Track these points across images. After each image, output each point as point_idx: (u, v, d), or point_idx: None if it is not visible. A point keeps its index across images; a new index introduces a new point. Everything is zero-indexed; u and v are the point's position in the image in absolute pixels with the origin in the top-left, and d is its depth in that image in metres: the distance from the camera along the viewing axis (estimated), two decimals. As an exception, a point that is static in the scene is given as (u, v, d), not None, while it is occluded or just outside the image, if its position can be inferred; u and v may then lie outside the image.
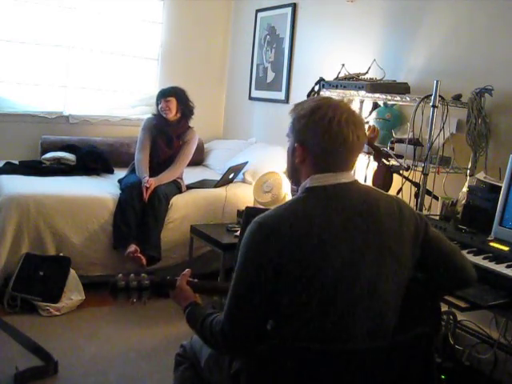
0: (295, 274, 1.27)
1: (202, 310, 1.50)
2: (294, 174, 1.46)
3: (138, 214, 3.51)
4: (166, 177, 3.71)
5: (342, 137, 1.34)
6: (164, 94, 3.77)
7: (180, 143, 3.82)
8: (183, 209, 3.71)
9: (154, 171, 3.73)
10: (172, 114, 3.76)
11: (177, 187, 3.78)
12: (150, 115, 3.94)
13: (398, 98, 2.91)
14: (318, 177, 1.36)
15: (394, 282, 1.36)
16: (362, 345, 1.32)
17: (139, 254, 3.39)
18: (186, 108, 3.83)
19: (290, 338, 1.30)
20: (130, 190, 3.54)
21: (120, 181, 3.79)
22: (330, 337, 1.29)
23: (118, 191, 3.63)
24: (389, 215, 1.37)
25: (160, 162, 3.79)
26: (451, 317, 2.75)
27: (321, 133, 1.34)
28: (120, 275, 1.60)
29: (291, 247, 1.27)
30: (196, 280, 1.70)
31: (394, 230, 1.37)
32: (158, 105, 3.80)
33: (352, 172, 1.43)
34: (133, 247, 3.39)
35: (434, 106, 2.60)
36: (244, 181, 4.11)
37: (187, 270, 1.69)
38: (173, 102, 3.76)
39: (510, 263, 1.94)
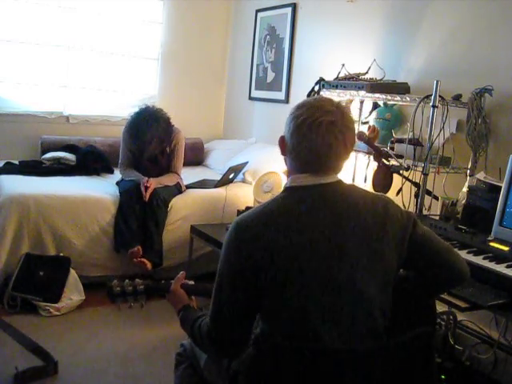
0: (274, 274, 1.27)
1: (193, 313, 1.51)
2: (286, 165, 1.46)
3: (139, 217, 3.51)
4: (166, 180, 3.70)
5: (322, 140, 1.32)
6: (141, 140, 3.62)
7: (166, 151, 3.79)
8: (183, 209, 3.71)
9: (146, 171, 3.72)
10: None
11: (176, 188, 3.78)
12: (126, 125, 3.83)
13: (398, 98, 2.91)
14: (297, 176, 1.37)
15: (378, 282, 1.35)
16: (350, 344, 1.31)
17: (143, 259, 3.40)
18: (163, 142, 3.72)
19: (279, 338, 1.29)
20: (129, 194, 3.54)
21: (118, 183, 3.78)
22: (315, 336, 1.29)
23: (118, 191, 3.63)
24: (371, 214, 1.36)
25: (151, 175, 3.70)
26: (451, 317, 2.75)
27: (291, 131, 1.36)
28: (115, 281, 1.61)
29: (269, 247, 1.27)
30: (191, 282, 1.70)
31: (376, 229, 1.35)
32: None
33: (336, 174, 1.41)
34: (136, 247, 3.40)
35: (434, 106, 2.60)
36: (244, 181, 4.11)
37: (181, 272, 1.69)
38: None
39: (510, 263, 1.95)
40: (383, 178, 2.74)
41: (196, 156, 4.88)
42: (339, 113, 1.35)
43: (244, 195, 3.88)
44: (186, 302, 1.59)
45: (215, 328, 1.35)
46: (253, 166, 4.08)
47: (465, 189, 2.59)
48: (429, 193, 2.72)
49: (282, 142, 1.41)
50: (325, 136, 1.32)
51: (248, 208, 3.28)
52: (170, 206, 3.65)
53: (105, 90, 4.87)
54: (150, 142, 3.63)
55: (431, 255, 1.47)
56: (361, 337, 1.33)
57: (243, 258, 1.28)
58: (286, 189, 1.38)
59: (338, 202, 1.35)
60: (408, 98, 2.87)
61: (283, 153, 1.42)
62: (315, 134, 1.32)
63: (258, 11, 4.91)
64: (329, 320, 1.30)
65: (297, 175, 1.37)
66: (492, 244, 2.14)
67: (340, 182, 1.40)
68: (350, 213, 1.34)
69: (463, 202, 2.53)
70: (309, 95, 3.36)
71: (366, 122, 3.40)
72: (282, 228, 1.28)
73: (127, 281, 1.62)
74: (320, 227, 1.30)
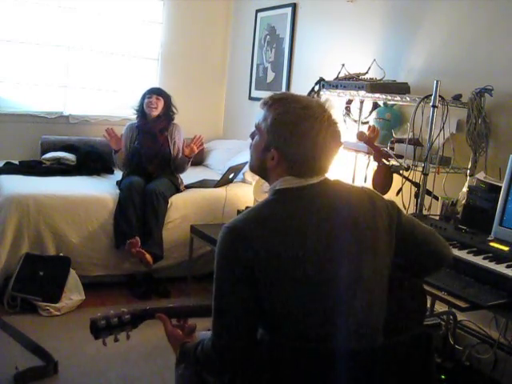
0: (272, 277, 1.26)
1: (192, 344, 1.48)
2: (261, 169, 1.41)
3: (139, 212, 3.52)
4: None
5: (325, 151, 1.33)
6: (155, 92, 3.86)
7: (165, 135, 3.84)
8: (183, 209, 3.71)
9: (148, 172, 3.76)
10: (157, 111, 3.81)
11: (174, 185, 3.79)
12: (129, 122, 3.97)
13: (398, 98, 2.91)
14: (288, 179, 1.34)
15: (376, 275, 1.35)
16: (352, 342, 1.30)
17: (142, 249, 3.39)
18: (168, 110, 3.90)
19: (280, 340, 1.29)
20: (130, 188, 3.56)
21: (118, 182, 3.80)
22: (318, 337, 1.28)
23: (118, 191, 3.64)
24: (361, 208, 1.37)
25: (150, 159, 3.79)
26: (451, 317, 2.75)
27: (305, 146, 1.31)
28: (99, 314, 1.59)
29: (265, 252, 1.25)
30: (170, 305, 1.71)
31: (369, 222, 1.35)
32: (144, 99, 3.84)
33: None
34: (134, 238, 3.40)
35: (434, 106, 2.60)
36: (244, 181, 4.12)
37: (163, 316, 1.66)
38: (162, 102, 3.84)
39: (510, 263, 1.94)
40: (383, 178, 2.74)
41: (196, 156, 4.87)
42: (333, 120, 1.36)
43: (244, 195, 3.88)
44: (182, 341, 1.57)
45: (218, 338, 1.32)
46: (253, 166, 4.08)
47: (465, 189, 2.59)
48: (429, 193, 2.72)
49: (280, 156, 1.34)
50: (326, 142, 1.33)
51: (248, 208, 3.28)
52: (170, 202, 3.66)
53: (105, 90, 4.87)
54: (160, 93, 3.85)
55: (417, 240, 1.50)
56: (364, 334, 1.32)
57: (240, 265, 1.26)
58: (277, 191, 1.35)
59: (330, 201, 1.34)
60: (408, 98, 2.86)
61: (276, 165, 1.35)
62: (320, 144, 1.32)
63: (258, 11, 4.91)
64: (334, 321, 1.29)
65: (286, 177, 1.34)
66: (492, 244, 2.14)
67: (327, 179, 1.39)
68: (343, 210, 1.34)
69: (463, 202, 2.53)
70: (308, 95, 3.36)
71: (366, 122, 3.40)
72: (278, 232, 1.27)
73: (111, 312, 1.61)
74: (317, 228, 1.29)
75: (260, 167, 1.41)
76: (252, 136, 1.43)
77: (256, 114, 4.50)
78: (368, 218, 1.36)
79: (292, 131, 1.32)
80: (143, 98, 3.85)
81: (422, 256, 1.53)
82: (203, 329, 1.69)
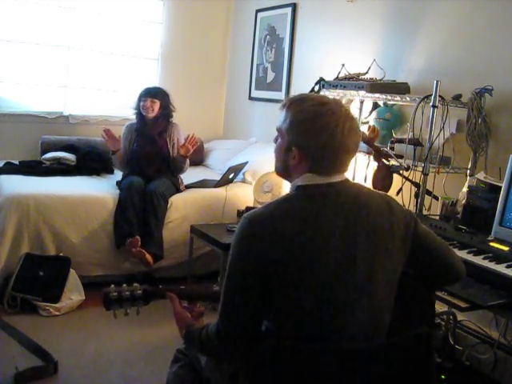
0: (286, 272, 1.27)
1: (197, 327, 1.49)
2: (285, 170, 1.43)
3: (139, 211, 3.52)
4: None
5: (344, 145, 1.34)
6: (151, 94, 3.78)
7: (165, 138, 3.82)
8: (183, 208, 3.72)
9: (147, 174, 3.75)
10: (154, 113, 3.78)
11: (174, 185, 3.79)
12: (129, 122, 3.95)
13: (398, 98, 2.91)
14: (310, 175, 1.36)
15: (387, 279, 1.36)
16: (357, 343, 1.31)
17: (141, 249, 3.39)
18: (166, 110, 3.85)
19: (286, 338, 1.29)
20: (130, 188, 3.56)
21: (118, 182, 3.80)
22: (325, 336, 1.29)
23: (118, 191, 3.64)
24: (379, 213, 1.37)
25: (150, 163, 3.78)
26: (451, 317, 2.75)
27: (324, 141, 1.32)
28: (112, 286, 1.59)
29: (281, 245, 1.26)
30: (181, 287, 1.70)
31: (385, 227, 1.37)
32: (139, 101, 3.79)
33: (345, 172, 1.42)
34: (135, 238, 3.39)
35: (434, 106, 2.60)
36: (244, 181, 4.11)
37: (170, 294, 1.65)
38: (157, 104, 3.78)
39: (510, 263, 1.95)
40: (383, 178, 2.74)
41: (196, 156, 4.88)
42: (350, 115, 1.37)
43: (244, 195, 3.88)
44: (189, 323, 1.56)
45: (225, 324, 1.34)
46: (253, 166, 4.08)
47: (465, 189, 2.59)
48: (429, 193, 2.72)
49: (300, 154, 1.35)
50: (344, 136, 1.34)
51: (248, 208, 3.28)
52: (170, 202, 3.66)
53: (105, 90, 4.87)
54: (156, 95, 3.77)
55: (431, 253, 1.50)
56: (369, 337, 1.33)
57: (255, 256, 1.28)
58: (298, 187, 1.37)
59: (349, 201, 1.35)
60: (408, 98, 2.87)
61: (298, 162, 1.36)
62: (338, 137, 1.33)
63: (258, 11, 4.91)
64: (342, 320, 1.30)
65: (308, 174, 1.36)
66: (492, 244, 2.14)
67: (347, 180, 1.41)
68: (361, 212, 1.35)
69: (463, 202, 2.53)
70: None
71: (366, 122, 3.40)
72: (296, 226, 1.28)
73: (125, 285, 1.60)
74: (334, 226, 1.30)
75: (283, 168, 1.43)
76: (275, 140, 1.45)
77: (256, 113, 4.53)
78: (385, 223, 1.37)
79: (310, 127, 1.33)
80: (139, 99, 3.80)
81: (435, 268, 1.52)
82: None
